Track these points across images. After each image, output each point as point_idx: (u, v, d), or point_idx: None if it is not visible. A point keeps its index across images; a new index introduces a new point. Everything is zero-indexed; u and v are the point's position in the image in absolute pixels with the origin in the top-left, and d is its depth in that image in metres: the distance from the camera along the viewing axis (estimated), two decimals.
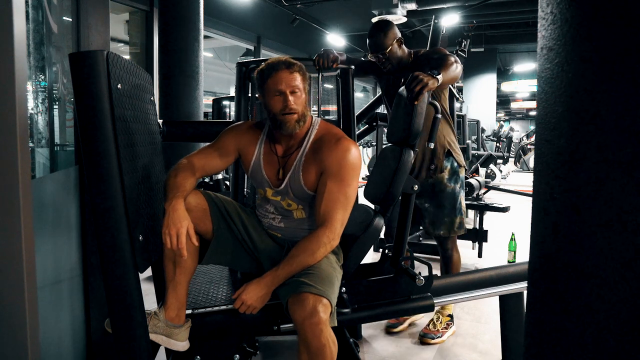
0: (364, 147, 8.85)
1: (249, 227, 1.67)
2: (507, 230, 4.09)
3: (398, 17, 6.69)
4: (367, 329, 2.56)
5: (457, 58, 2.13)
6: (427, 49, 2.40)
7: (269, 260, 1.64)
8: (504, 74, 17.22)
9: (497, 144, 11.08)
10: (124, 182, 1.31)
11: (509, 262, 3.66)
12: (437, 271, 1.99)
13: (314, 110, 1.93)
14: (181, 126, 2.78)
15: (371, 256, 3.76)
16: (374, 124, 3.68)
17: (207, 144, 1.72)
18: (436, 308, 2.34)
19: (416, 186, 1.76)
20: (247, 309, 1.50)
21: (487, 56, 11.62)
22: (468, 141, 5.29)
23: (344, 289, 1.66)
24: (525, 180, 9.35)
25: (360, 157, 1.64)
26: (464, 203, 2.48)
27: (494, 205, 3.97)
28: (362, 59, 2.62)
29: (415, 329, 2.60)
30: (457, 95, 3.69)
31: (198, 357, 1.57)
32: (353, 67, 2.36)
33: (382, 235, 2.15)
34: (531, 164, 12.56)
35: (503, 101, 22.16)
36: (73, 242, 1.76)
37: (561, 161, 0.72)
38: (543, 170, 0.77)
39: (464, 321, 2.72)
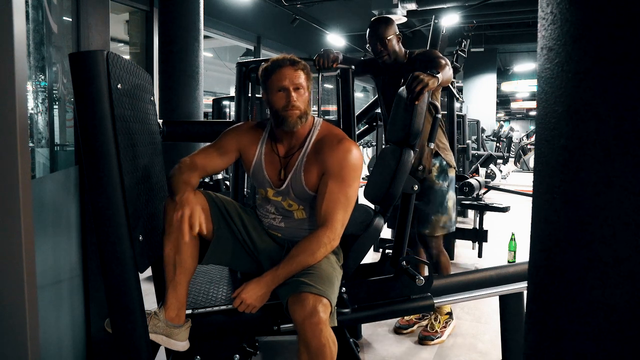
0: (364, 147, 8.85)
1: (249, 227, 1.67)
2: (507, 230, 4.09)
3: (398, 17, 6.69)
4: (367, 329, 2.56)
5: (447, 60, 2.16)
6: (420, 50, 2.42)
7: (269, 260, 1.64)
8: (504, 74, 17.21)
9: (497, 144, 11.10)
10: (124, 182, 1.31)
11: (509, 262, 3.66)
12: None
13: (314, 110, 1.92)
14: (181, 126, 2.79)
15: (371, 256, 3.75)
16: (374, 124, 3.69)
17: (207, 144, 1.72)
18: None
19: (416, 186, 1.76)
20: (247, 308, 1.50)
21: (487, 56, 11.61)
22: (468, 141, 5.29)
23: (344, 289, 1.66)
24: (525, 180, 9.34)
25: (362, 158, 1.64)
26: (451, 203, 2.47)
27: (494, 205, 3.98)
28: (362, 58, 2.63)
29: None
30: (457, 95, 3.69)
31: (198, 357, 1.57)
32: (353, 67, 2.37)
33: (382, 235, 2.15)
34: (531, 164, 12.55)
35: (503, 101, 22.15)
36: (73, 242, 1.76)
37: (561, 161, 0.72)
38: (543, 170, 0.77)
39: (464, 321, 2.72)
